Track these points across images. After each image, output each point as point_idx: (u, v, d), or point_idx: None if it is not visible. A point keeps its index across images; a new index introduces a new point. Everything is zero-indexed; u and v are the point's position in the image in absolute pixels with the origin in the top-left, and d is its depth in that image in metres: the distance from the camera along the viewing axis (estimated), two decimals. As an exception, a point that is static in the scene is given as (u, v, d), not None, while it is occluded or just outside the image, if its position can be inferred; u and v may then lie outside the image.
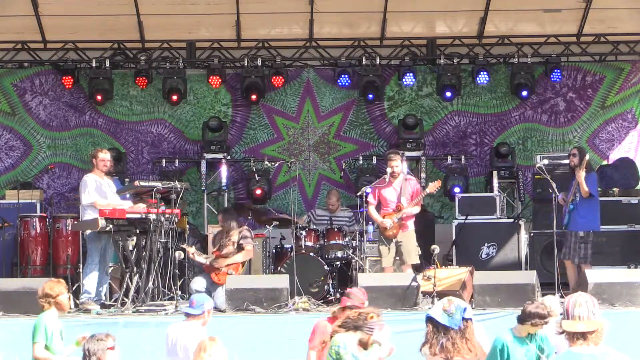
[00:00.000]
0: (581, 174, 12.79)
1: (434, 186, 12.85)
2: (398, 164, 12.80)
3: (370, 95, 16.33)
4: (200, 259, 12.87)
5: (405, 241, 12.67)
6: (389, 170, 12.79)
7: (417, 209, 12.83)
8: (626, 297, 11.51)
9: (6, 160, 16.58)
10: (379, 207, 12.88)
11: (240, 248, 12.72)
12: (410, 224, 12.77)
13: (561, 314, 5.01)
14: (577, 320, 4.81)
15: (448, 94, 16.31)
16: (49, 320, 8.40)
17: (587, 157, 12.95)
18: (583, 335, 4.81)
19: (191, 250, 12.76)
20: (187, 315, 8.88)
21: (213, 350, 6.49)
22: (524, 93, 16.32)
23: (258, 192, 15.82)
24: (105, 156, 12.39)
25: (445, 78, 16.26)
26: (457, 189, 15.50)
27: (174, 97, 16.23)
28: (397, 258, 12.75)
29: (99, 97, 16.19)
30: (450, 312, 4.79)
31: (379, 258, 13.03)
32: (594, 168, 13.44)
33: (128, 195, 12.69)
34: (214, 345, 6.54)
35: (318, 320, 8.98)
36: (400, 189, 12.75)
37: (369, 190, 13.07)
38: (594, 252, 13.02)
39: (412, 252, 12.69)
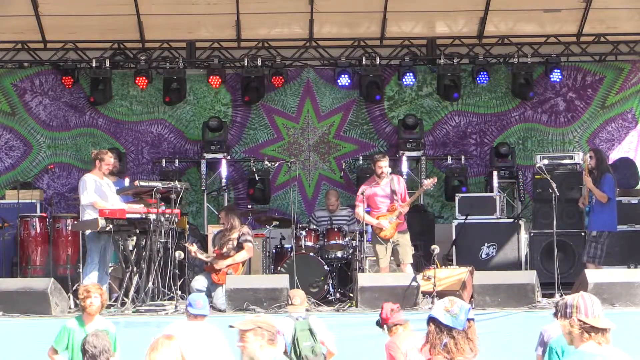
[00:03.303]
0: (588, 179, 12.95)
1: (429, 183, 12.89)
2: (386, 165, 12.82)
3: (377, 97, 16.32)
4: (201, 257, 12.88)
5: (402, 241, 12.71)
6: (377, 171, 12.80)
7: (407, 207, 12.85)
8: (626, 297, 11.49)
9: (6, 160, 16.57)
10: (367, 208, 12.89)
11: (240, 247, 12.72)
12: (405, 223, 12.81)
13: (556, 314, 4.96)
14: (597, 317, 4.78)
15: (455, 94, 16.30)
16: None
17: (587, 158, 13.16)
18: (603, 332, 4.78)
19: (193, 248, 12.76)
20: (196, 316, 8.91)
21: (164, 349, 6.12)
22: (531, 94, 16.32)
23: (251, 192, 15.88)
24: (111, 160, 12.37)
25: (445, 78, 16.26)
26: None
27: (167, 99, 16.24)
28: (392, 258, 12.76)
29: (92, 99, 16.21)
30: (454, 313, 4.76)
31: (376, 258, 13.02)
32: (609, 169, 13.45)
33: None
34: (164, 345, 6.15)
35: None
36: (390, 189, 12.77)
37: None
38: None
39: (409, 252, 12.73)
